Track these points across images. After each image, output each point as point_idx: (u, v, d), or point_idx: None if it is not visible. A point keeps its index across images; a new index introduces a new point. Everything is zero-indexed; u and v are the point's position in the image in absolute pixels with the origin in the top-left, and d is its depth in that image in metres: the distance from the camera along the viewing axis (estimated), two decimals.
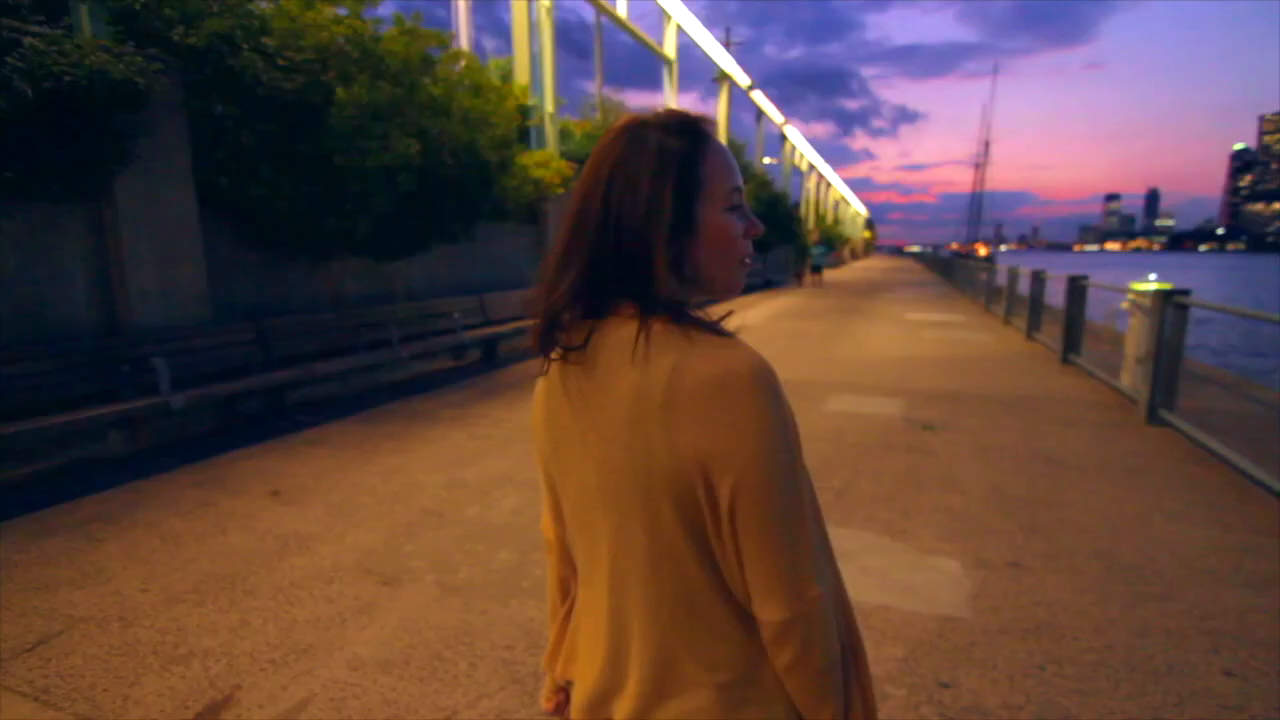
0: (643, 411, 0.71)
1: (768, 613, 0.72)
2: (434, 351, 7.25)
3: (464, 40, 12.93)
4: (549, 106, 10.63)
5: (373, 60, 5.88)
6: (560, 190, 9.49)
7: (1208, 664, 2.31)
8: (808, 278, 22.54)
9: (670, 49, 16.26)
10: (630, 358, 0.72)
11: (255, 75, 5.10)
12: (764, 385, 0.70)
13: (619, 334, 0.74)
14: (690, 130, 0.76)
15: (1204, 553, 3.17)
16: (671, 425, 0.69)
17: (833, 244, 41.06)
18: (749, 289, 20.44)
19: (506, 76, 10.51)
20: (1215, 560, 3.09)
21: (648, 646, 0.78)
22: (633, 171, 0.73)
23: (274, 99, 5.22)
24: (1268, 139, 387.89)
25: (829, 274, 32.84)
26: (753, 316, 13.74)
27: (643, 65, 17.10)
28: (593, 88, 15.42)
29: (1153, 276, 7.00)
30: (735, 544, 0.71)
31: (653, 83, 16.71)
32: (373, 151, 5.42)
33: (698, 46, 19.07)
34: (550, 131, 10.64)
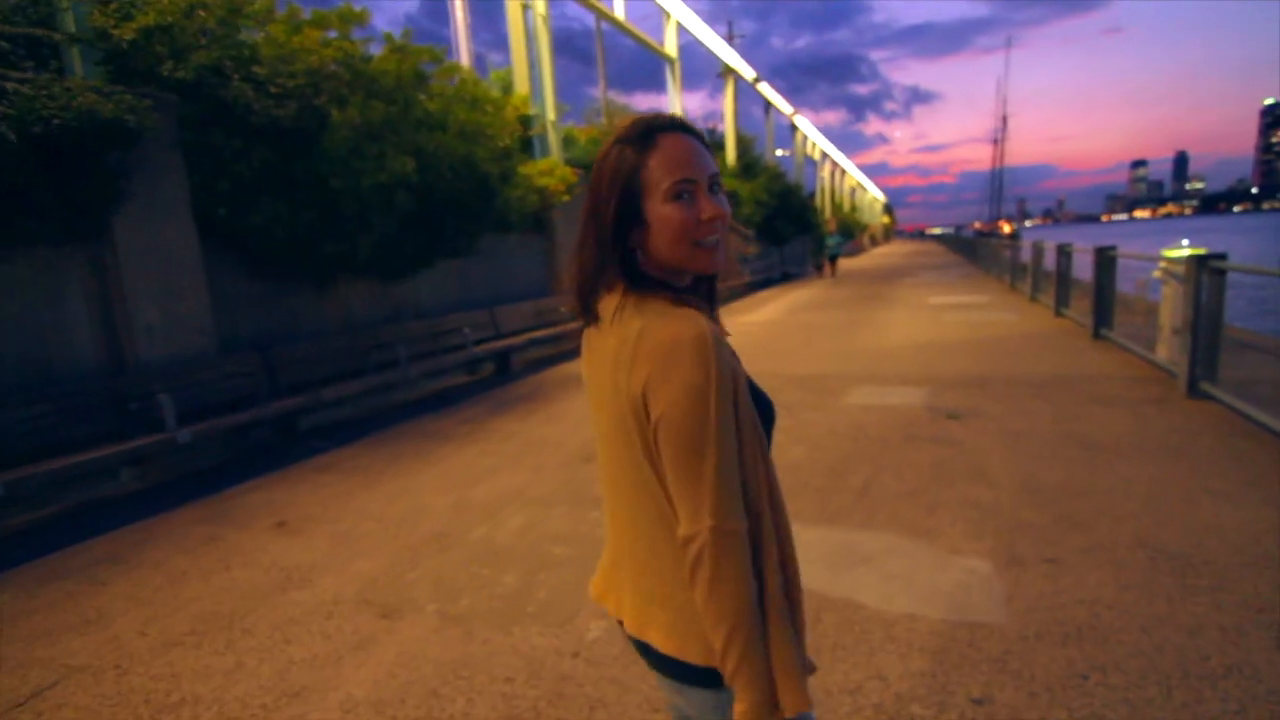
0: (619, 361, 0.91)
1: (679, 530, 0.89)
2: (446, 369, 7.20)
3: (464, 55, 12.93)
4: (550, 114, 10.55)
5: (365, 81, 5.84)
6: (566, 198, 9.40)
7: (1271, 663, 2.11)
8: (826, 268, 22.10)
9: (671, 48, 16.12)
10: (611, 322, 0.94)
11: (247, 104, 5.09)
12: (699, 349, 0.86)
13: (610, 304, 0.96)
14: (639, 139, 0.92)
15: (1258, 536, 2.93)
16: (633, 371, 0.89)
17: (851, 232, 40.49)
18: (766, 283, 20.19)
19: (508, 88, 10.48)
20: (1272, 543, 2.86)
21: (635, 558, 1.00)
22: (600, 180, 0.95)
23: (269, 127, 5.20)
24: None
25: (846, 263, 32.34)
26: (769, 311, 13.51)
27: (650, 67, 17.01)
28: (599, 93, 15.35)
29: (1185, 242, 6.69)
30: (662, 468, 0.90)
31: (661, 83, 16.58)
32: (368, 171, 5.38)
33: (700, 44, 18.92)
34: (553, 139, 10.56)
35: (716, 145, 21.74)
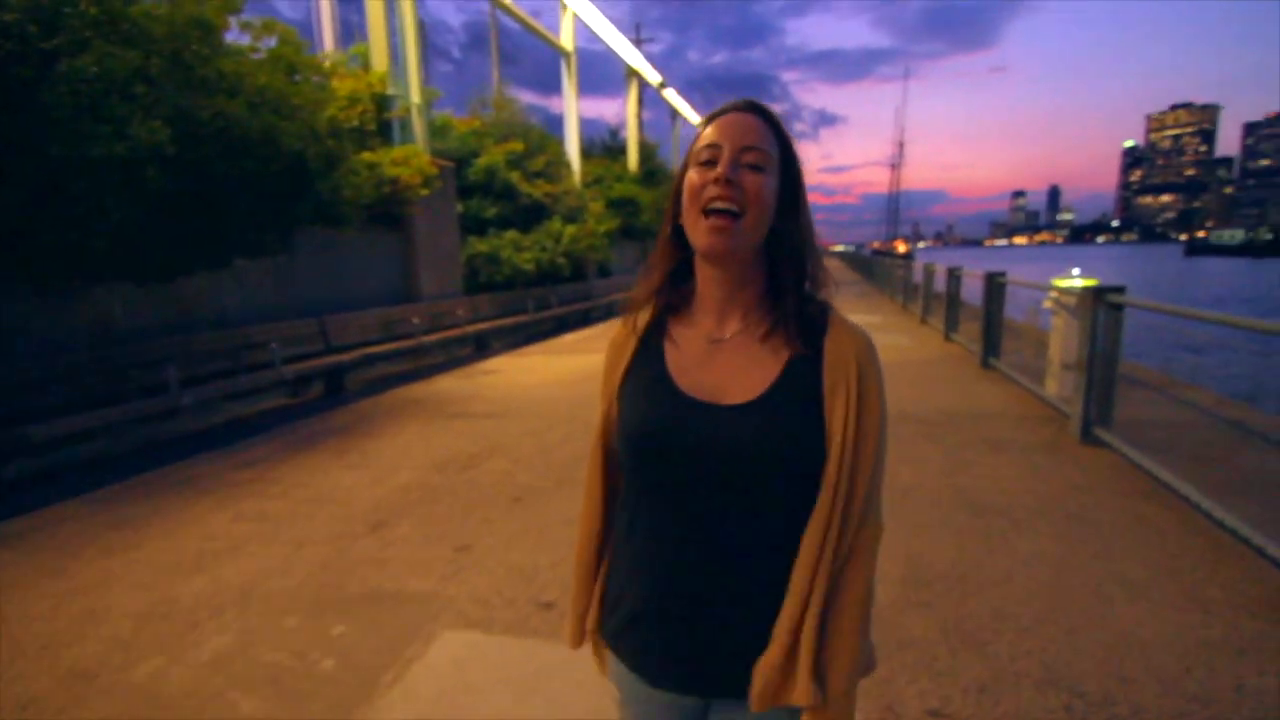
0: None
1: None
2: (245, 391, 5.87)
3: (328, 38, 11.48)
4: (415, 97, 9.33)
5: (124, 24, 4.51)
6: (424, 191, 8.22)
7: None
8: None
9: (568, 41, 15.16)
10: None
11: None
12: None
13: None
14: (708, 118, 0.90)
15: (1190, 661, 2.25)
16: None
17: None
18: None
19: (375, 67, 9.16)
20: (1207, 676, 2.17)
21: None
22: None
23: None
24: (1154, 136, 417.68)
25: None
26: None
27: (598, 71, 16.01)
28: (523, 95, 14.23)
29: (1076, 271, 6.35)
30: None
31: (592, 86, 15.59)
32: (102, 139, 4.07)
33: (602, 42, 18.06)
34: (418, 125, 9.35)
35: (618, 150, 20.95)
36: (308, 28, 9.73)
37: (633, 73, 20.71)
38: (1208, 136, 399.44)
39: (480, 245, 10.60)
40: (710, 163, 0.85)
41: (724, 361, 0.89)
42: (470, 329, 9.29)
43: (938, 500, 3.73)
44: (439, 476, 4.33)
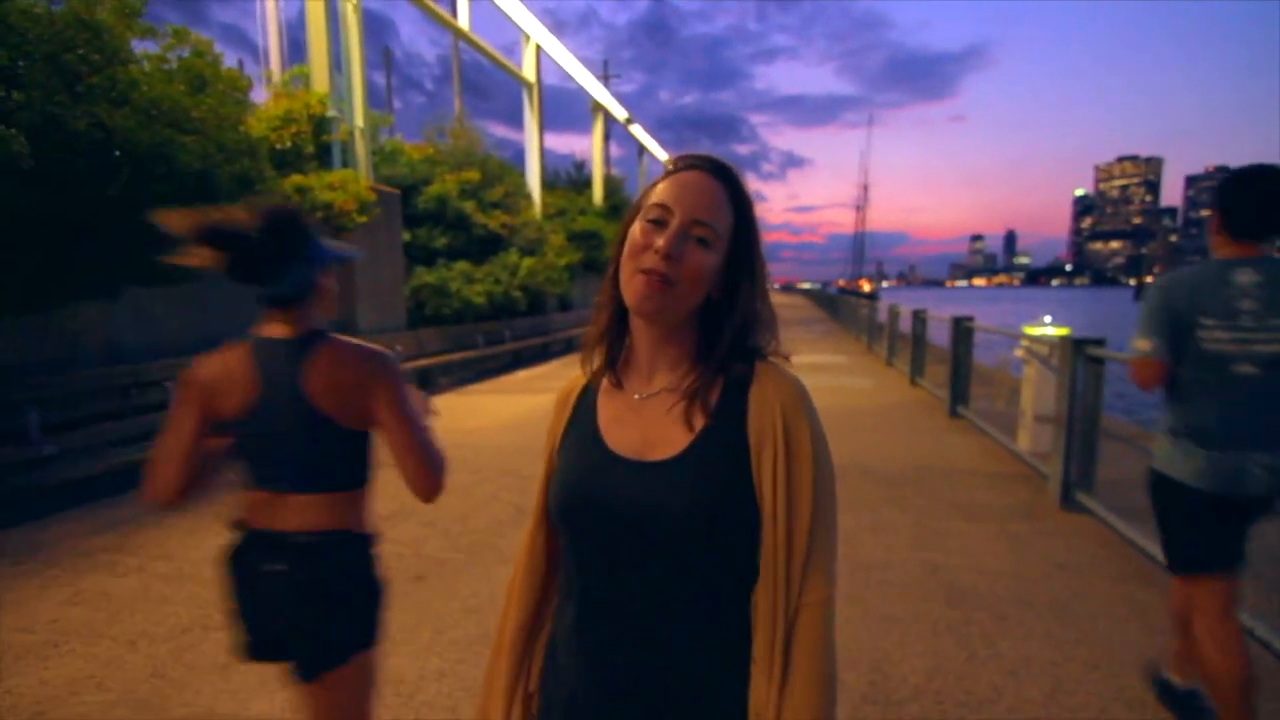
0: None
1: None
2: (134, 436, 5.16)
3: (275, 62, 11.00)
4: (359, 120, 8.82)
5: None
6: (361, 219, 7.65)
7: None
8: None
9: (530, 72, 14.87)
10: None
11: None
12: None
13: None
14: (671, 168, 0.86)
15: None
16: None
17: None
18: None
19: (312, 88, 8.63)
20: None
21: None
22: None
23: None
24: (1102, 186, 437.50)
25: None
26: None
27: (569, 108, 15.73)
28: (494, 129, 13.84)
29: (1048, 319, 6.01)
30: None
31: (565, 123, 15.29)
32: None
33: (567, 74, 17.86)
34: (360, 149, 8.81)
35: (583, 183, 20.67)
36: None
37: (598, 106, 20.54)
38: (1152, 187, 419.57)
39: (427, 276, 10.01)
40: (658, 222, 0.81)
41: (649, 416, 0.86)
42: (411, 365, 8.66)
43: (908, 583, 3.24)
44: None
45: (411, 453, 1.35)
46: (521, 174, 14.97)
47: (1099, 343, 4.19)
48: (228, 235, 1.25)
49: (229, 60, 6.12)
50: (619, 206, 21.26)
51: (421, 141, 13.01)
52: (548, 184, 18.26)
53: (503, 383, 9.98)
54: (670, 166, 0.87)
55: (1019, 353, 5.85)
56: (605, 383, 0.91)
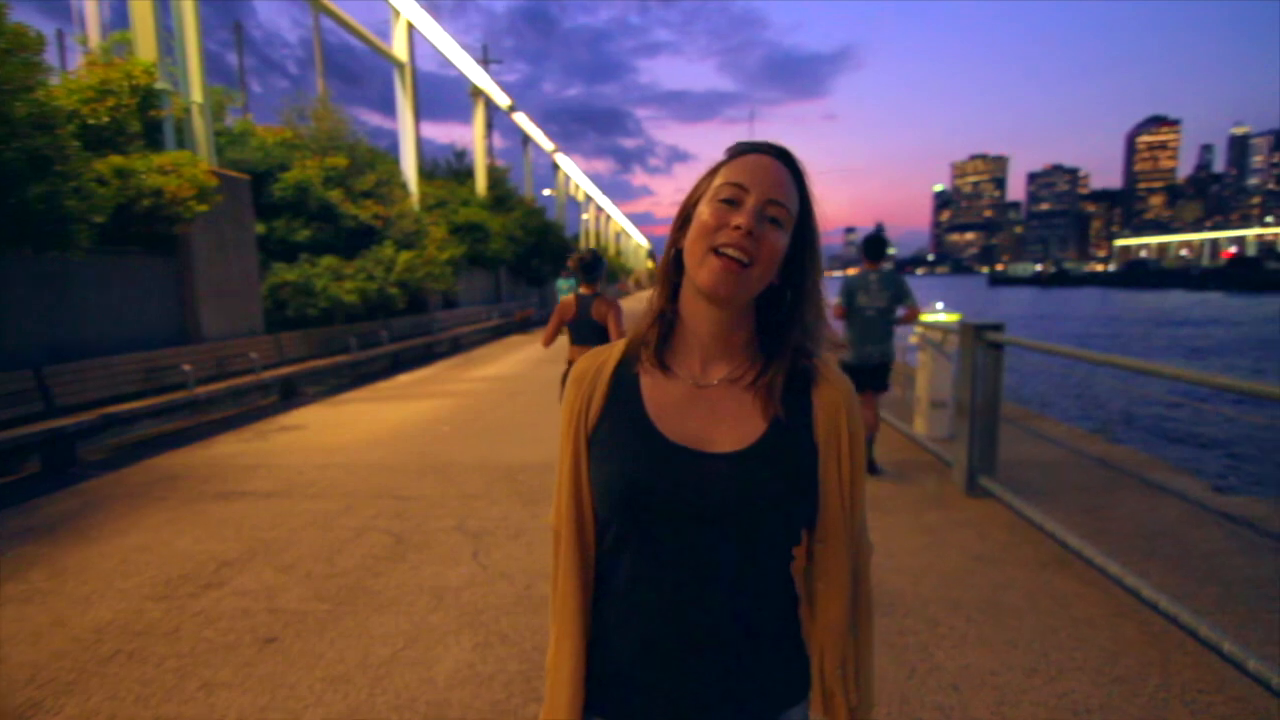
0: None
1: None
2: None
3: (92, 27, 9.50)
4: (196, 96, 7.69)
5: None
6: (201, 207, 6.63)
7: None
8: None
9: (401, 51, 13.79)
10: None
11: None
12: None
13: None
14: (729, 155, 0.86)
15: None
16: None
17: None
18: (525, 325, 18.39)
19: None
20: None
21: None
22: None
23: None
24: (958, 182, 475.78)
25: None
26: (510, 363, 11.65)
27: (450, 96, 14.61)
28: (368, 118, 12.60)
29: (940, 305, 6.06)
30: None
31: (445, 112, 14.22)
32: None
33: (447, 59, 16.83)
34: (200, 129, 7.68)
35: (464, 173, 19.68)
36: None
37: (478, 92, 19.58)
38: (1000, 183, 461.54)
39: (288, 274, 8.95)
40: (731, 202, 0.81)
41: (710, 407, 0.85)
42: (269, 374, 7.68)
43: None
44: (160, 607, 3.00)
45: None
46: (396, 162, 13.90)
47: (998, 328, 4.17)
48: (587, 261, 4.35)
49: (46, 33, 5.01)
50: (504, 198, 20.42)
51: (280, 125, 11.72)
52: (426, 173, 17.17)
53: (380, 389, 9.12)
54: (732, 152, 0.85)
55: (914, 339, 5.88)
56: (646, 365, 0.88)
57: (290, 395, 8.27)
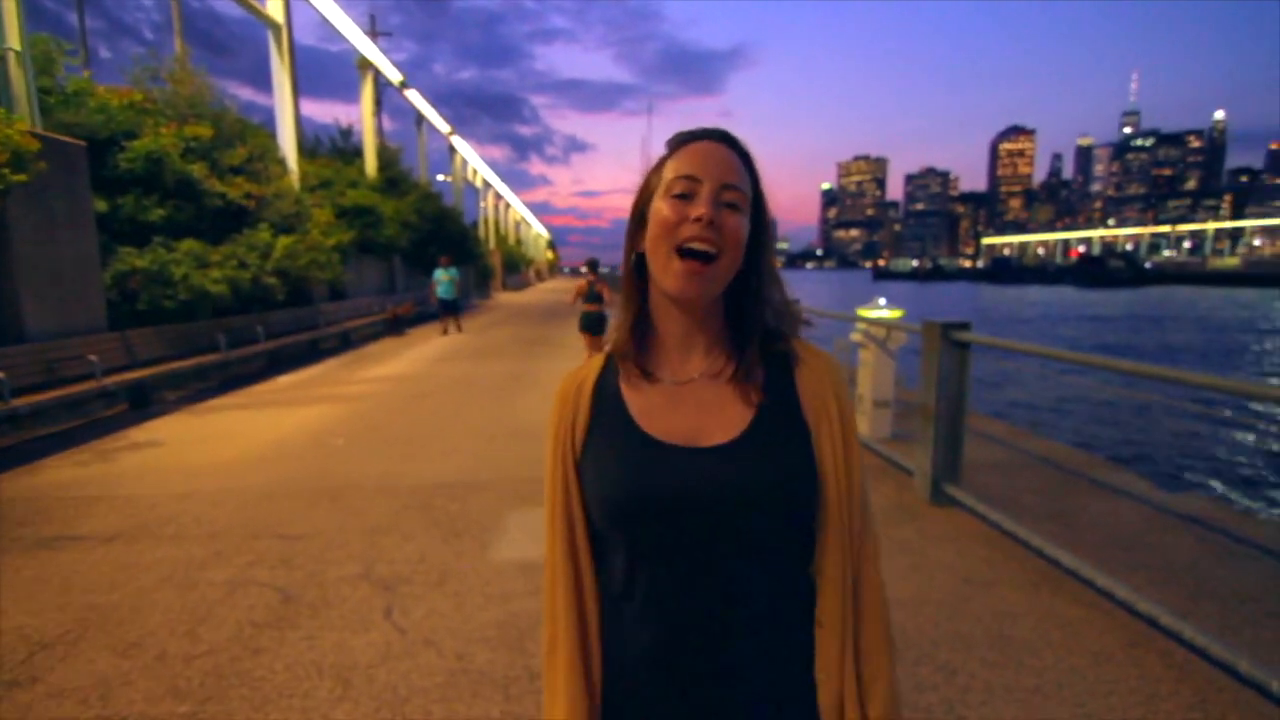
0: None
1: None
2: None
3: None
4: (13, 43, 6.28)
5: None
6: (19, 177, 5.36)
7: None
8: (444, 322, 14.29)
9: (277, 11, 12.26)
10: None
11: None
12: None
13: None
14: (673, 145, 0.83)
15: None
16: None
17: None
18: (420, 318, 17.16)
19: None
20: None
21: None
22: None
23: None
24: (843, 180, 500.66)
25: (510, 297, 30.73)
26: (409, 360, 10.64)
27: (334, 73, 12.96)
28: (240, 92, 10.94)
29: (882, 301, 5.83)
30: None
31: (329, 89, 12.58)
32: None
33: (332, 31, 15.26)
34: (18, 82, 6.28)
35: (351, 152, 18.10)
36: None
37: (366, 64, 17.99)
38: (881, 183, 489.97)
39: (138, 260, 7.56)
40: (685, 195, 0.78)
41: (695, 403, 0.83)
42: (114, 379, 6.43)
43: None
44: None
45: None
46: (272, 136, 12.39)
47: (964, 326, 3.90)
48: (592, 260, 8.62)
49: None
50: (397, 181, 18.96)
51: (129, 87, 10.04)
52: (308, 151, 15.58)
53: (256, 393, 7.95)
54: (675, 143, 0.83)
55: (855, 337, 5.60)
56: (625, 374, 0.86)
57: (142, 404, 6.99)
